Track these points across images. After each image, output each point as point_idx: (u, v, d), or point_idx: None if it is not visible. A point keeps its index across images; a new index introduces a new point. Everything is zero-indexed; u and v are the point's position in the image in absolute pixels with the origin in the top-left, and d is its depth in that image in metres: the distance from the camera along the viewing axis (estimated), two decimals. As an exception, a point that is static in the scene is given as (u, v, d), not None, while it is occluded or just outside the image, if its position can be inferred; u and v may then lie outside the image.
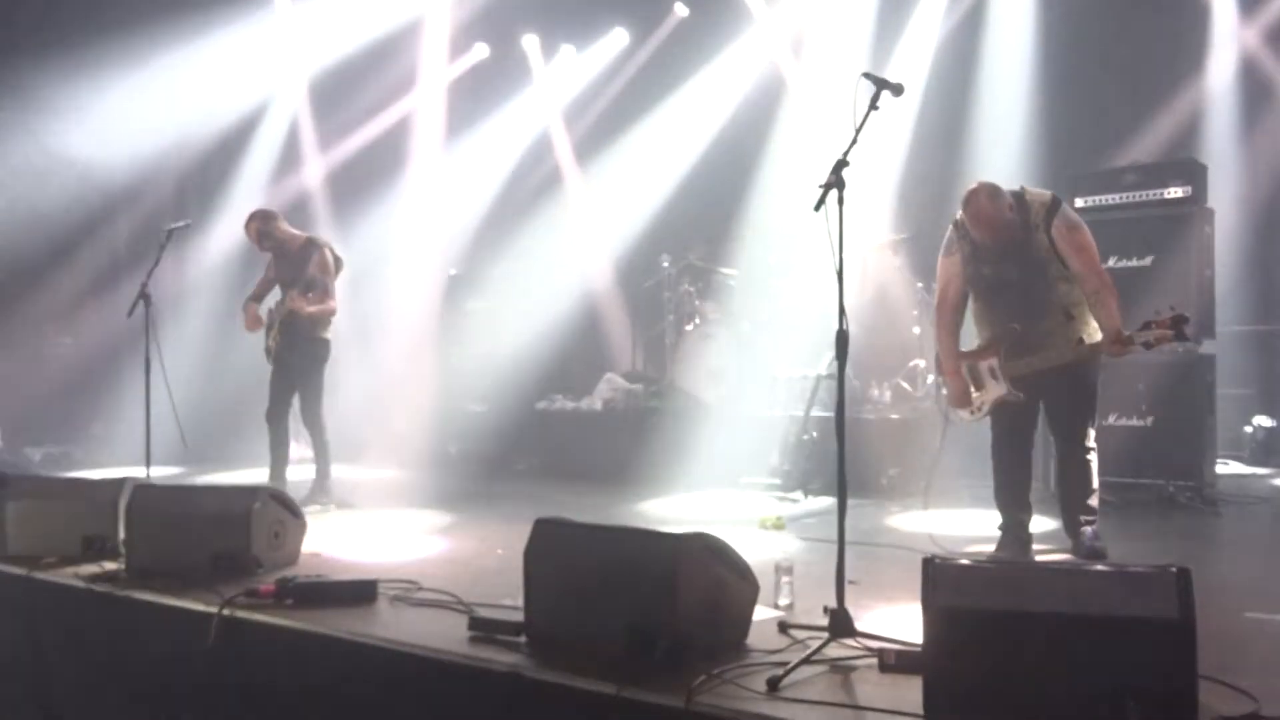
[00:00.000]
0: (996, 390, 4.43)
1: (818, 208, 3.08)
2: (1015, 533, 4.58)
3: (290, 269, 6.47)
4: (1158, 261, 6.12)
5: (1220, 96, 7.34)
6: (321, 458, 6.52)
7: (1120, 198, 6.31)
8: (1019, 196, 4.39)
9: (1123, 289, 5.74)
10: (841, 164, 3.17)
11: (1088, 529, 4.49)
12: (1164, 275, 6.06)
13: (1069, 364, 4.34)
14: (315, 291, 6.34)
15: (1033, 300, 4.39)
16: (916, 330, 7.68)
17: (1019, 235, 4.34)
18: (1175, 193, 6.17)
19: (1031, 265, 4.36)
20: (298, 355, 6.42)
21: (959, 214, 4.49)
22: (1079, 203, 6.35)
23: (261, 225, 6.46)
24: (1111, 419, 6.11)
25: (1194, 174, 6.19)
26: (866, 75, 3.30)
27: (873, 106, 3.27)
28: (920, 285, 7.68)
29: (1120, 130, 7.52)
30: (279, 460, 6.51)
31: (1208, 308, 6.09)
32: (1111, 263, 6.18)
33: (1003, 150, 8.37)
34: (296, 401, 6.51)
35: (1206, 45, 7.44)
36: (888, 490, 6.55)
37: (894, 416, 7.19)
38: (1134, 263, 6.19)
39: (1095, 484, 4.55)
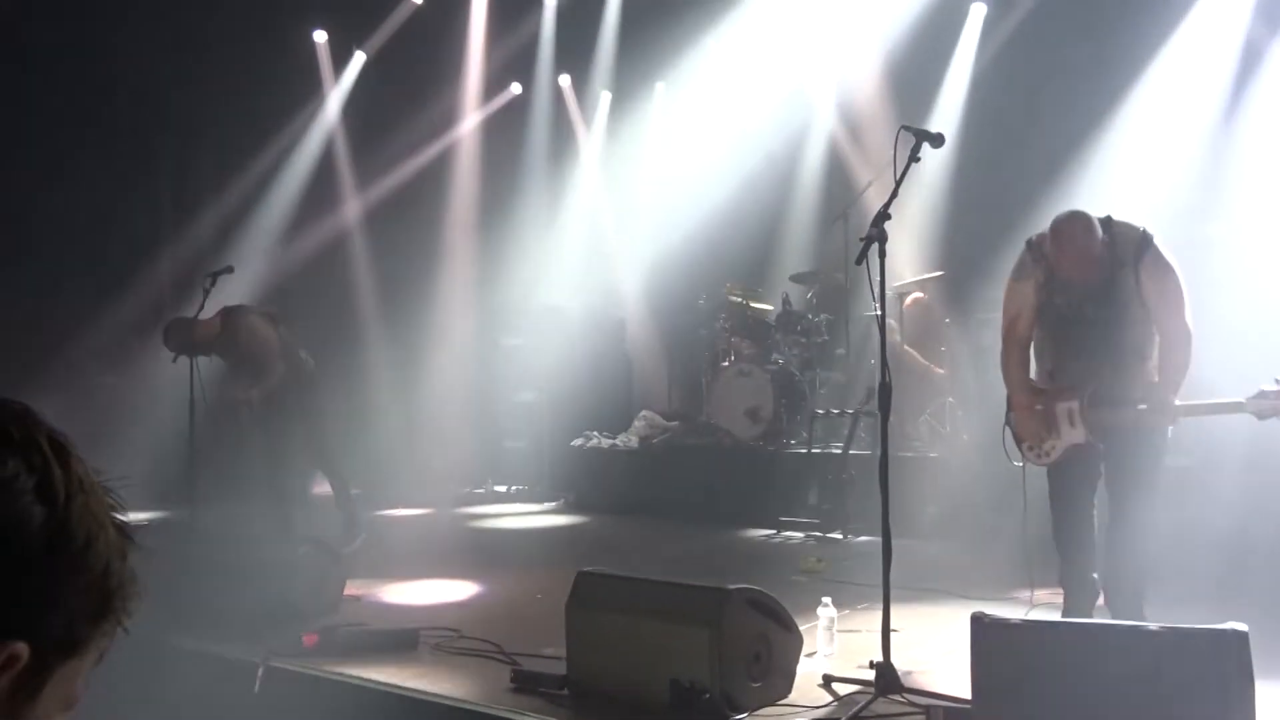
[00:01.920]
0: (1073, 437, 4.02)
1: (860, 261, 3.08)
2: (1082, 589, 4.12)
3: (233, 354, 6.38)
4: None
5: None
6: (343, 495, 6.55)
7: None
8: (1106, 226, 3.96)
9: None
10: (883, 216, 3.18)
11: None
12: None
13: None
14: (256, 372, 6.27)
15: (1107, 340, 4.00)
16: (941, 371, 7.65)
17: (1105, 272, 3.93)
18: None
19: (1112, 304, 3.95)
20: (291, 402, 6.35)
21: (1036, 236, 4.10)
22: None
23: (188, 336, 6.04)
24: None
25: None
26: (906, 128, 3.31)
27: (913, 158, 3.27)
28: (948, 320, 7.65)
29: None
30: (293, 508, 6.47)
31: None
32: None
33: (1044, 183, 8.32)
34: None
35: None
36: (927, 529, 6.48)
37: (932, 455, 7.14)
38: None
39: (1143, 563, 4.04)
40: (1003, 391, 4.89)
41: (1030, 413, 4.09)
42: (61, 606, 0.84)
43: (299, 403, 6.43)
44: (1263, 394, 3.70)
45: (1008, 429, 4.21)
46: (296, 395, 6.39)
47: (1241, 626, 2.37)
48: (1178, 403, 3.84)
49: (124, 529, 0.88)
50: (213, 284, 6.08)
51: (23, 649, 0.81)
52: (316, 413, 6.53)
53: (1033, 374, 4.23)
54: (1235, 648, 2.36)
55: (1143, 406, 3.86)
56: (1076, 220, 3.91)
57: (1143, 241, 3.90)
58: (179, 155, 9.39)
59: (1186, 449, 5.26)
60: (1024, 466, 4.21)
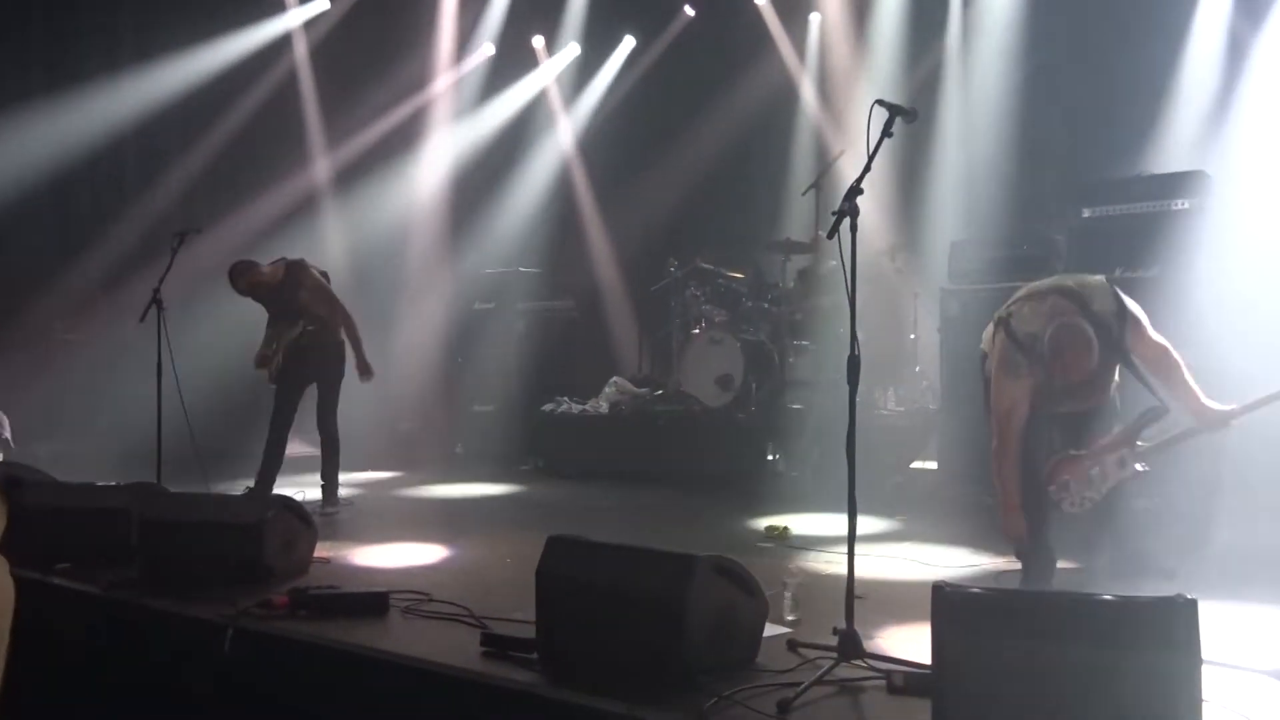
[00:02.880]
0: (1123, 474, 4.22)
1: (831, 235, 3.11)
2: (1039, 557, 4.34)
3: (282, 302, 6.49)
4: (1163, 272, 6.13)
5: (1225, 106, 7.35)
6: (333, 463, 6.57)
7: (1128, 208, 6.32)
8: (1084, 305, 4.11)
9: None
10: (855, 191, 3.20)
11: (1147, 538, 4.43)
12: (1169, 286, 6.06)
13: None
14: (326, 314, 6.44)
15: (1112, 410, 4.38)
16: (913, 336, 7.74)
17: (1101, 360, 4.13)
18: (1182, 204, 6.17)
19: (1107, 378, 4.29)
20: (320, 360, 6.47)
21: (1018, 332, 4.18)
22: (1085, 213, 6.37)
23: (252, 278, 6.40)
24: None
25: (1201, 186, 6.20)
26: (880, 102, 3.32)
27: (886, 133, 3.29)
28: (916, 294, 7.73)
29: (1128, 140, 7.53)
30: (272, 466, 6.52)
31: (1215, 321, 6.09)
32: (1118, 273, 6.21)
33: (1009, 158, 8.40)
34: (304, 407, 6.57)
35: (1205, 53, 7.45)
36: (893, 497, 6.58)
37: (900, 423, 7.24)
38: (1140, 274, 6.20)
39: None
40: (970, 361, 4.98)
41: (1019, 511, 4.18)
42: None
43: (324, 362, 6.50)
44: None
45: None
46: (322, 355, 6.48)
47: (1190, 596, 2.45)
48: (1224, 407, 4.11)
49: None
50: (180, 243, 6.05)
51: None
52: (337, 375, 6.57)
53: None
54: (1184, 617, 2.44)
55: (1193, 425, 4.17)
56: (1077, 340, 4.03)
57: (1118, 309, 4.13)
58: (143, 109, 9.21)
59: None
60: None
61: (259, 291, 6.46)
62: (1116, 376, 4.36)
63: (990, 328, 4.56)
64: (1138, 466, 4.21)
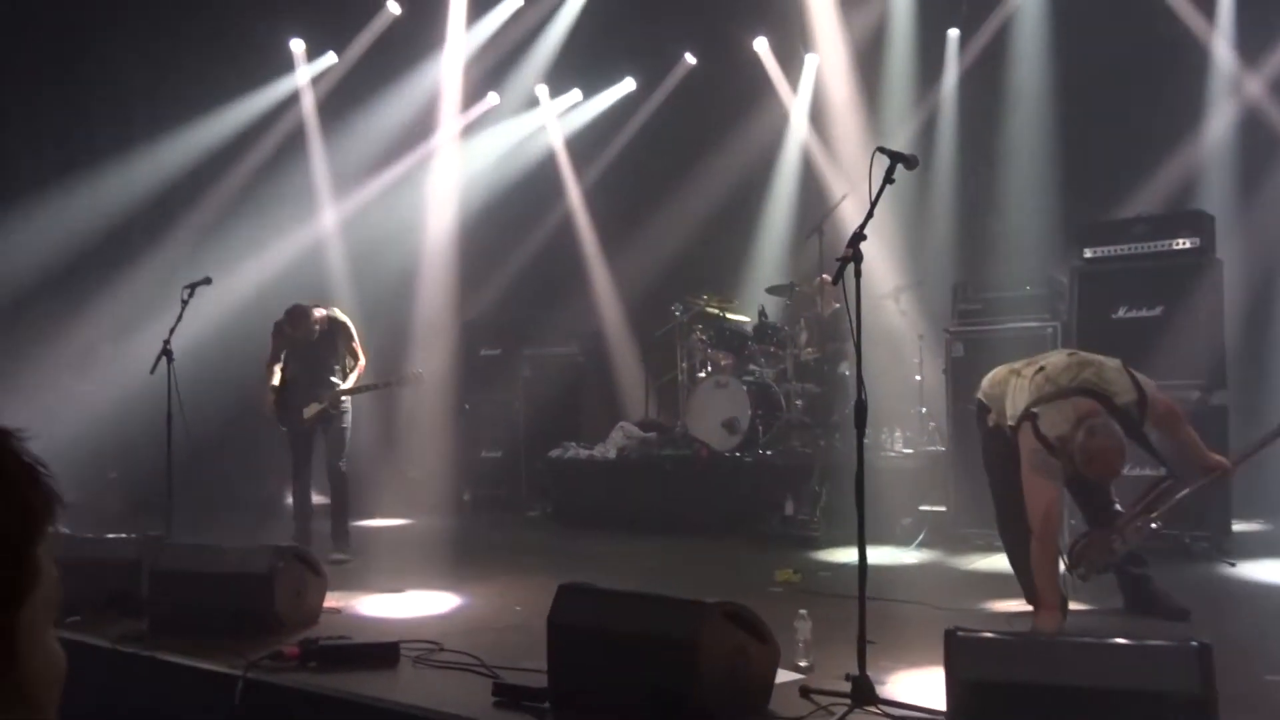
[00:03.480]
0: (1139, 538, 4.37)
1: (836, 280, 3.14)
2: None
3: (319, 348, 6.67)
4: (1167, 312, 6.16)
5: (1225, 148, 7.43)
6: (343, 510, 6.65)
7: (1129, 248, 6.36)
8: (1108, 402, 4.17)
9: (1133, 339, 5.85)
10: (858, 237, 3.24)
11: (1153, 580, 4.53)
12: (1174, 325, 6.10)
13: None
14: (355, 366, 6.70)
15: (1138, 490, 4.54)
16: (918, 378, 7.76)
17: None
18: (1184, 244, 6.22)
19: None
20: (330, 422, 6.66)
21: (1050, 436, 4.14)
22: (1087, 253, 6.42)
23: (305, 323, 6.62)
24: (1128, 470, 6.12)
25: (1203, 225, 6.25)
26: (882, 149, 3.37)
27: (888, 180, 3.34)
28: (920, 335, 7.77)
29: (1129, 181, 7.61)
30: (304, 516, 6.67)
31: (1218, 358, 6.13)
32: (1122, 313, 6.25)
33: (1012, 199, 8.49)
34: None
35: (1211, 97, 7.54)
36: (901, 538, 6.56)
37: (907, 464, 7.24)
38: (1144, 313, 6.23)
39: None
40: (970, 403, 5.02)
41: (1056, 611, 4.18)
42: None
43: (344, 415, 6.68)
44: None
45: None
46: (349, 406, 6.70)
47: (1205, 641, 2.45)
48: (1223, 459, 4.33)
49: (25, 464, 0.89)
50: (190, 295, 6.10)
51: None
52: (340, 424, 6.70)
53: None
54: (1199, 662, 2.44)
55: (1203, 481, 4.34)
56: (1111, 445, 4.05)
57: (1139, 398, 4.20)
58: (153, 163, 9.34)
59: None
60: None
61: (299, 339, 6.64)
62: None
63: (989, 382, 4.62)
64: (1153, 525, 4.31)
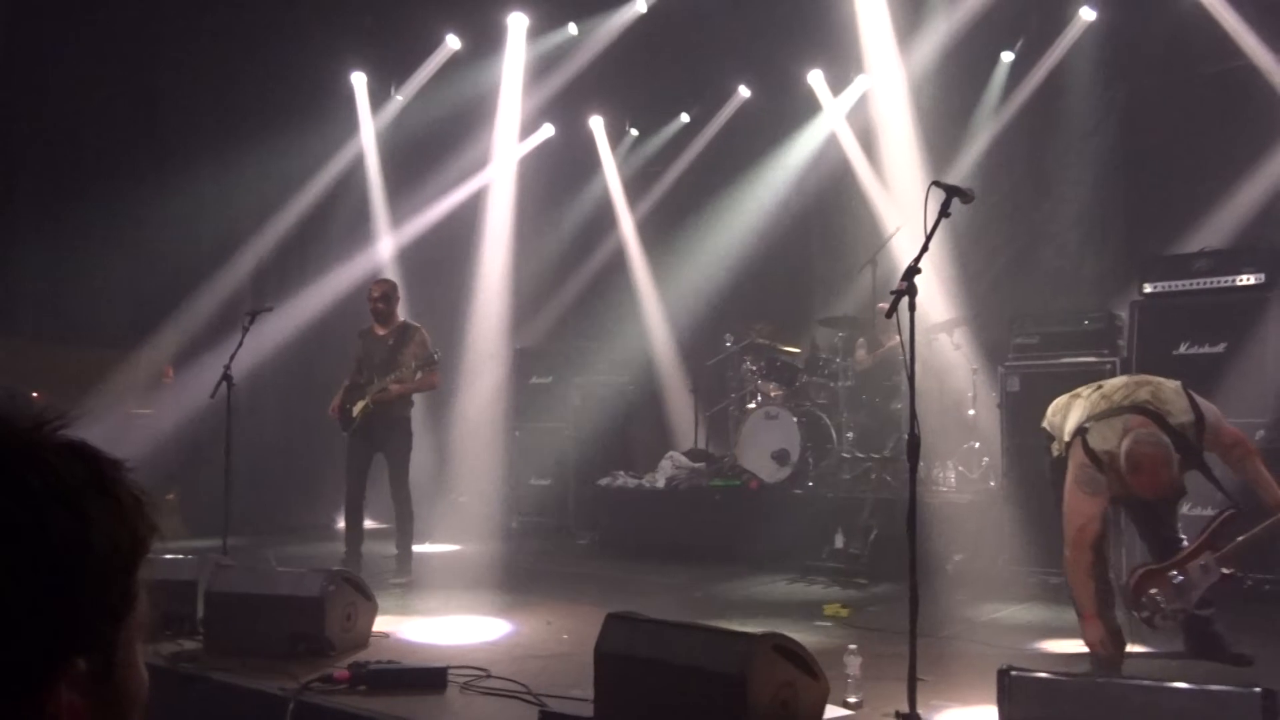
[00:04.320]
0: (1210, 580, 4.13)
1: (890, 314, 3.13)
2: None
3: (383, 349, 6.72)
4: (1230, 348, 6.03)
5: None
6: (406, 533, 6.70)
7: (1191, 284, 6.24)
8: (1163, 422, 4.07)
9: (1195, 376, 5.72)
10: (913, 270, 3.23)
11: (1215, 622, 4.37)
12: (1238, 362, 5.96)
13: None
14: (425, 371, 6.67)
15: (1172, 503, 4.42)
16: (971, 413, 7.66)
17: (1182, 472, 4.14)
18: (1248, 279, 6.09)
19: (1183, 484, 4.29)
20: (385, 433, 6.68)
21: (1097, 449, 4.12)
22: (1147, 288, 6.32)
23: (390, 291, 6.84)
24: (1186, 508, 5.98)
25: (1268, 260, 6.12)
26: (937, 183, 3.36)
27: (943, 214, 3.32)
28: (975, 369, 7.68)
29: (1190, 215, 7.47)
30: (355, 540, 6.70)
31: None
32: (1183, 349, 6.13)
33: (1071, 232, 8.38)
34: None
35: (1276, 129, 7.39)
36: (953, 576, 6.46)
37: (960, 500, 7.13)
38: (1206, 349, 6.11)
39: None
40: (1032, 437, 4.92)
41: (1097, 620, 4.14)
42: (100, 607, 0.90)
43: (388, 435, 6.73)
44: None
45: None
46: (386, 428, 6.71)
47: (1270, 688, 2.38)
48: None
49: (134, 496, 0.94)
50: (251, 322, 6.23)
51: (80, 663, 0.87)
52: (402, 447, 6.78)
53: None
54: (1264, 709, 2.37)
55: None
56: (1157, 455, 3.96)
57: (1196, 417, 4.10)
58: (220, 193, 9.59)
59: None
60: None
61: (383, 307, 6.77)
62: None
63: (1052, 410, 4.54)
64: (1224, 570, 4.13)
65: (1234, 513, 4.12)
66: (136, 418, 9.27)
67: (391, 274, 10.36)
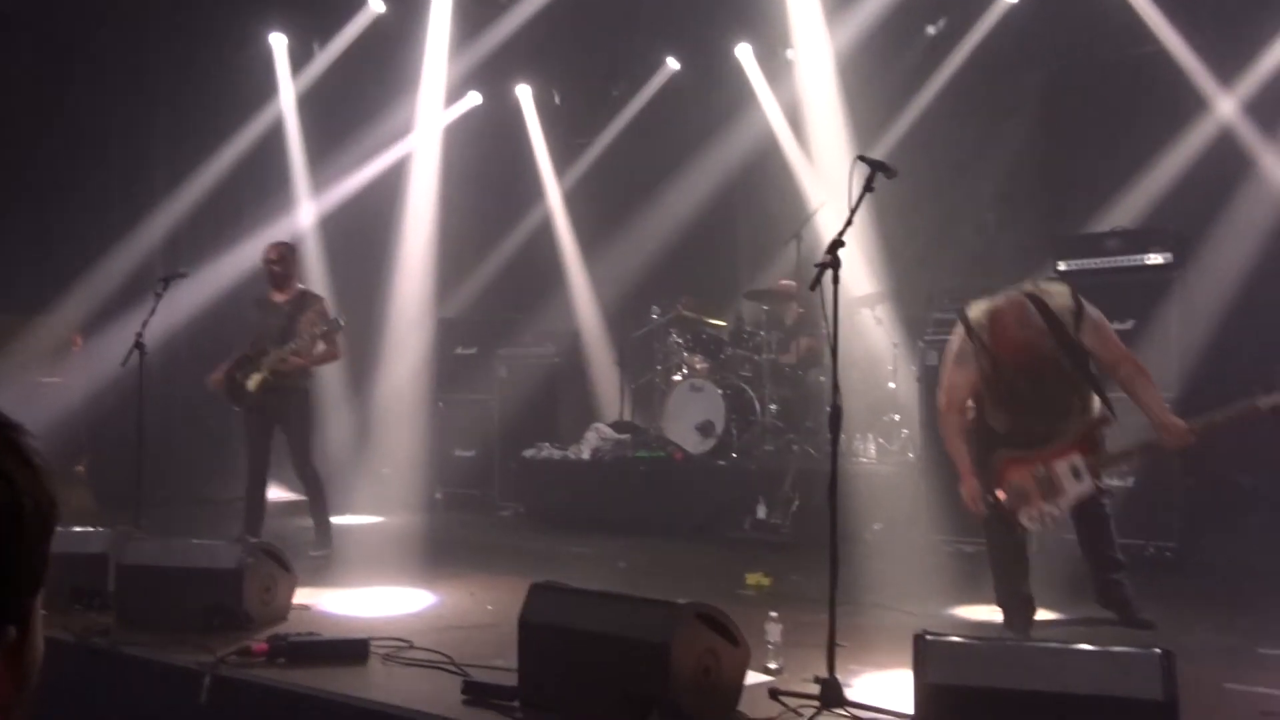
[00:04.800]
0: (1080, 490, 4.12)
1: (814, 287, 3.17)
2: (1020, 605, 4.37)
3: (279, 318, 6.42)
4: (1139, 325, 6.23)
5: (1199, 164, 7.52)
6: (320, 507, 6.52)
7: (1102, 262, 6.43)
8: (1041, 304, 4.13)
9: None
10: (837, 244, 3.27)
11: (1126, 586, 4.46)
12: (1145, 339, 6.16)
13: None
14: (325, 342, 6.36)
15: (1061, 404, 4.25)
16: (892, 385, 7.82)
17: (1049, 346, 4.11)
18: (1156, 259, 6.29)
19: (1059, 372, 4.18)
20: (282, 406, 6.38)
21: (970, 318, 4.25)
22: (1061, 265, 6.48)
23: (287, 254, 6.54)
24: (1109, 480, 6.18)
25: (1175, 241, 6.33)
26: (862, 158, 3.40)
27: (867, 188, 3.37)
28: (895, 344, 7.83)
29: (1105, 195, 7.69)
30: (255, 520, 6.41)
31: (1188, 374, 6.20)
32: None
33: (992, 211, 8.56)
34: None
35: (1186, 113, 7.63)
36: (872, 545, 6.59)
37: (879, 471, 7.28)
38: (1115, 326, 6.23)
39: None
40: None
41: (973, 476, 4.18)
42: (28, 575, 0.88)
43: (284, 408, 6.42)
44: (1269, 386, 3.83)
45: (1003, 505, 4.19)
46: (281, 400, 6.37)
47: (1168, 648, 2.48)
48: (1184, 422, 4.02)
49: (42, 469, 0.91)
50: (165, 288, 6.04)
51: (12, 630, 0.87)
52: (300, 421, 6.51)
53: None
54: (1163, 669, 2.48)
55: (1154, 437, 4.07)
56: (1008, 314, 4.07)
57: (1076, 306, 4.14)
58: (130, 156, 9.25)
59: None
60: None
61: (280, 270, 6.47)
62: (1093, 406, 4.27)
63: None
64: (1095, 482, 4.11)
65: (1108, 418, 4.15)
66: (43, 386, 8.96)
67: (313, 241, 10.15)
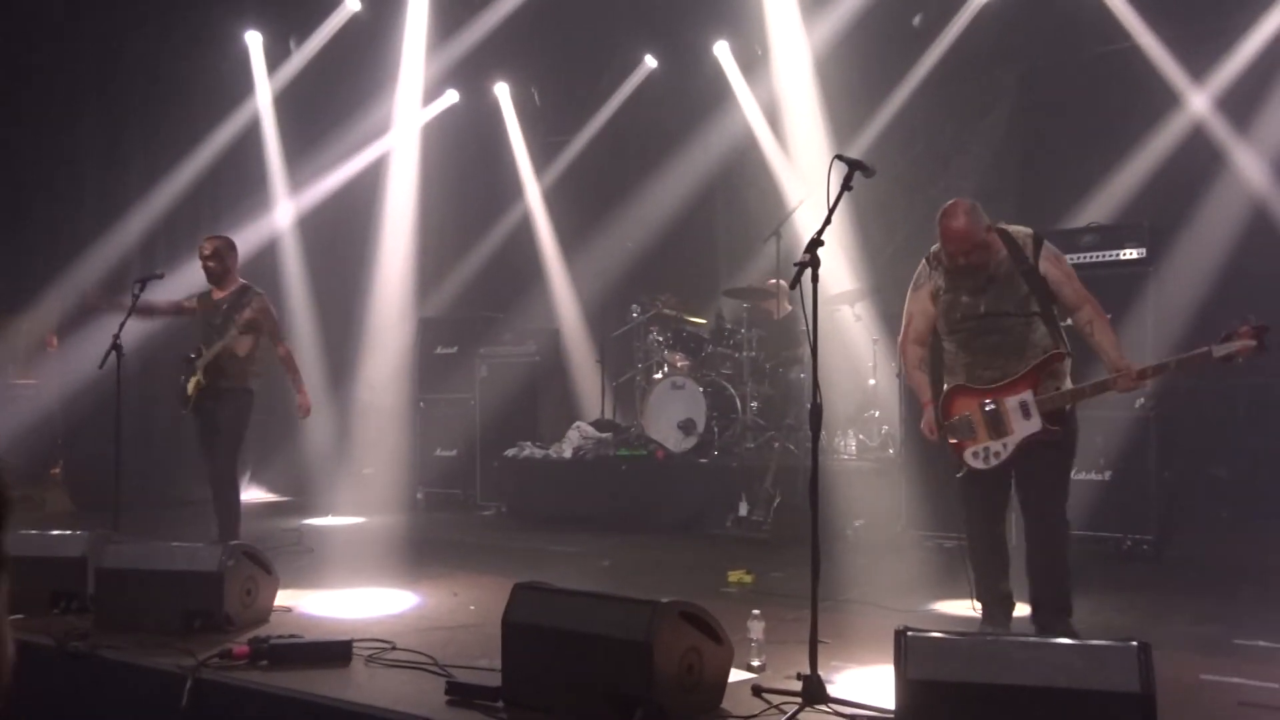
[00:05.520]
0: (1027, 429, 3.95)
1: (793, 285, 3.18)
2: (999, 602, 4.24)
3: (217, 315, 6.15)
4: (1115, 321, 6.24)
5: (1172, 160, 7.60)
6: (227, 526, 6.08)
7: (1078, 258, 6.47)
8: (1001, 231, 4.13)
9: (1080, 345, 5.97)
10: (816, 243, 3.28)
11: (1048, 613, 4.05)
12: (1120, 333, 6.18)
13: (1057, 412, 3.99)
14: (261, 334, 6.13)
15: (1015, 338, 4.05)
16: (872, 382, 7.86)
17: (1003, 267, 4.05)
18: (1131, 254, 6.35)
19: (1014, 300, 4.05)
20: (215, 405, 6.10)
21: (934, 248, 4.25)
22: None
23: (223, 248, 6.23)
24: (1074, 473, 6.24)
25: (1149, 236, 6.39)
26: (840, 157, 3.42)
27: (846, 187, 3.38)
28: (875, 340, 7.87)
29: (1081, 191, 7.75)
30: (224, 515, 6.16)
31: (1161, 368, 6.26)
32: (1069, 320, 6.37)
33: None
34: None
35: (1159, 110, 7.71)
36: (854, 541, 6.64)
37: (860, 467, 7.32)
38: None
39: (1068, 568, 4.10)
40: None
41: (973, 413, 4.06)
42: None
43: (252, 402, 6.26)
44: (1228, 336, 3.73)
45: (948, 439, 4.15)
46: (215, 400, 6.12)
47: (1145, 640, 2.52)
48: (1137, 365, 3.92)
49: None
50: (141, 289, 5.99)
51: None
52: (233, 422, 6.18)
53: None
54: (1140, 662, 2.51)
55: (1111, 376, 3.91)
56: (958, 205, 4.05)
57: (1037, 238, 4.12)
58: (105, 156, 9.16)
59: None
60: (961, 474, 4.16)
61: (215, 265, 6.17)
62: (1046, 343, 4.06)
63: None
64: (1044, 424, 3.94)
65: (1061, 353, 4.02)
66: (18, 388, 8.89)
67: (291, 241, 10.10)
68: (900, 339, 4.43)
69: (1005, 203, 8.38)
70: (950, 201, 4.12)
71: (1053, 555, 4.07)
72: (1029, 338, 4.05)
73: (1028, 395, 3.97)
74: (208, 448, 6.21)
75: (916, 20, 8.72)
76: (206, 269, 6.25)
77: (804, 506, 3.42)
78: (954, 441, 4.14)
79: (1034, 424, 3.96)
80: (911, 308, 4.36)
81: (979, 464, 4.09)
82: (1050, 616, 4.01)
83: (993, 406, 4.02)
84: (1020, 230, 4.16)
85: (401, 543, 7.14)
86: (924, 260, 4.35)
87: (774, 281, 8.14)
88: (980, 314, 4.08)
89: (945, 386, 4.24)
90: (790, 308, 8.22)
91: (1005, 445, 4.02)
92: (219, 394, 6.09)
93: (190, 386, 6.10)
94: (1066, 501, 4.13)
